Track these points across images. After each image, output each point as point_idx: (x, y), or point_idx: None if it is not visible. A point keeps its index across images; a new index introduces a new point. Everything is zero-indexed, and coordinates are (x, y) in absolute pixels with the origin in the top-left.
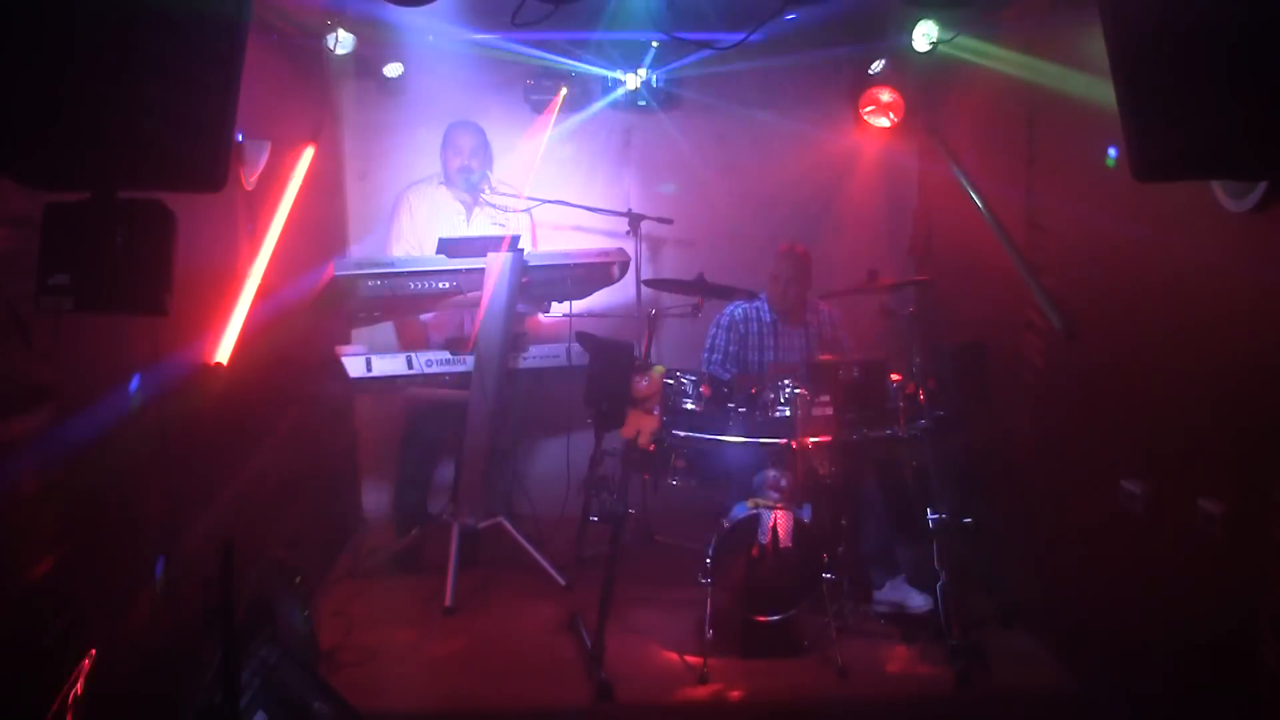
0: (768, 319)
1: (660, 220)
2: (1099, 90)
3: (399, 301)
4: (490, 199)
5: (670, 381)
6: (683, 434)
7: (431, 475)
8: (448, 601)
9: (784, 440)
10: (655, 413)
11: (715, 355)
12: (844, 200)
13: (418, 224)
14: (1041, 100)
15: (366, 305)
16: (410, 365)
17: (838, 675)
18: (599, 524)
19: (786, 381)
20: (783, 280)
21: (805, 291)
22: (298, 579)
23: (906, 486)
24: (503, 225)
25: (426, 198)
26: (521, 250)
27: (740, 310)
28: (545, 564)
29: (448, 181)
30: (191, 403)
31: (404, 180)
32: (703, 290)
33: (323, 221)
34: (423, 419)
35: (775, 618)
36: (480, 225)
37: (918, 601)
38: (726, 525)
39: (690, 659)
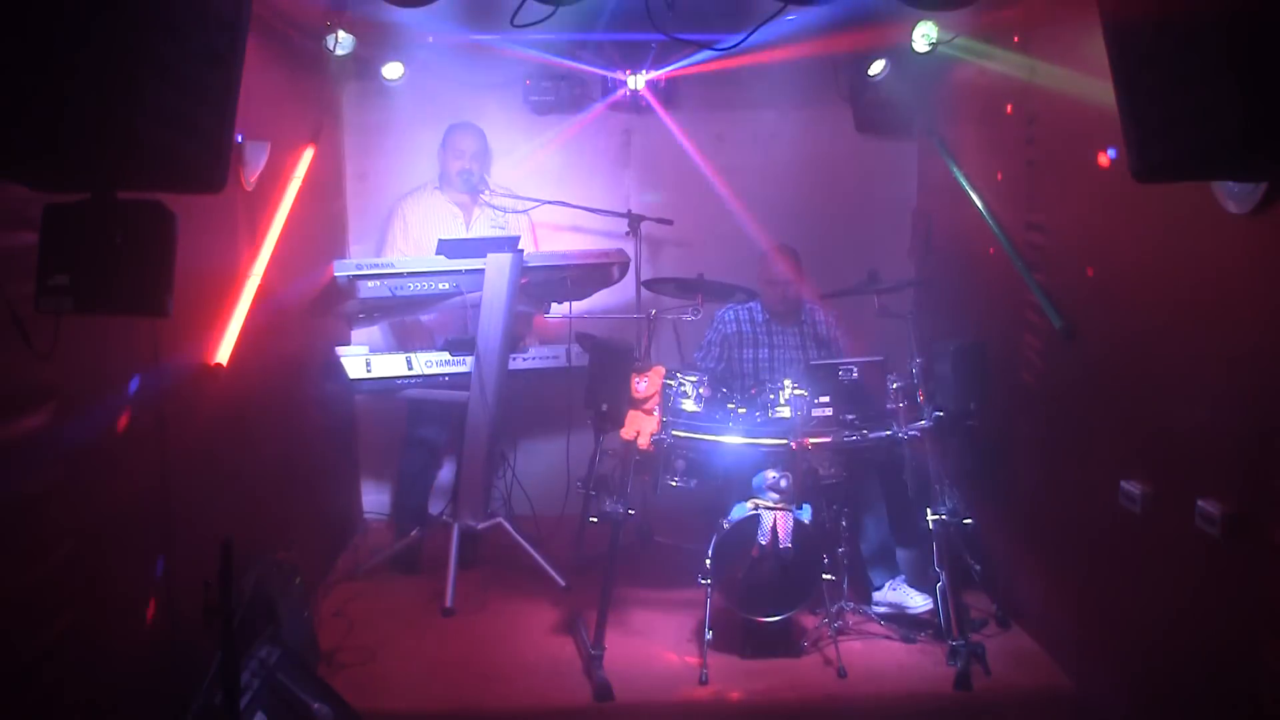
0: (760, 318)
1: (660, 221)
2: (1099, 90)
3: (399, 302)
4: (490, 200)
5: (670, 382)
6: (682, 435)
7: (432, 476)
8: (448, 602)
9: (784, 441)
10: (655, 413)
11: (699, 353)
12: (844, 200)
13: (412, 235)
14: (1041, 100)
15: (366, 306)
16: (410, 366)
17: (837, 676)
18: (598, 525)
19: (787, 382)
20: (782, 281)
21: (801, 289)
22: (298, 579)
23: (906, 487)
24: (503, 227)
25: (420, 207)
26: (521, 251)
27: (731, 312)
28: (545, 565)
29: (446, 184)
30: (191, 403)
31: (404, 181)
32: (703, 289)
33: (323, 222)
34: (423, 420)
35: (775, 618)
36: (480, 227)
37: (918, 602)
38: (726, 526)
39: (690, 659)
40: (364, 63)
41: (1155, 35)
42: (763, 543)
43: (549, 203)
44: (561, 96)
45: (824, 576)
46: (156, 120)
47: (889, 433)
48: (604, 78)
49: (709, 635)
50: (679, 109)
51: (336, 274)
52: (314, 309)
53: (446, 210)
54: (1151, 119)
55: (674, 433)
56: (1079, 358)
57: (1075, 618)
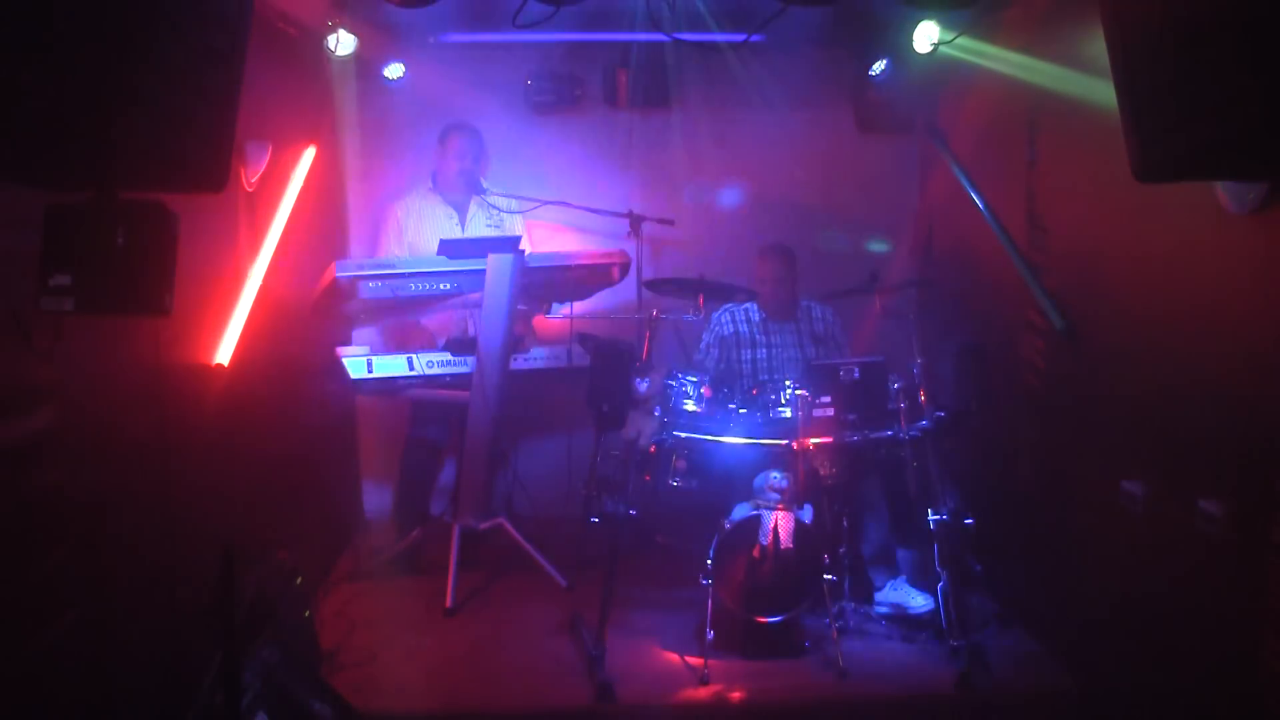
0: (757, 318)
1: (661, 221)
2: (1099, 91)
3: (400, 303)
4: (491, 200)
5: (671, 382)
6: (684, 435)
7: (433, 476)
8: (449, 602)
9: (785, 441)
10: (656, 414)
11: (698, 356)
12: (844, 200)
13: (406, 237)
14: (1042, 101)
15: (367, 306)
16: (411, 366)
17: (838, 676)
18: (600, 525)
19: (788, 382)
20: (772, 281)
21: (795, 287)
22: (298, 579)
23: (907, 488)
24: (498, 226)
25: (415, 209)
26: (523, 251)
27: (727, 313)
28: (546, 565)
29: (443, 185)
30: (191, 403)
31: (405, 181)
32: (703, 289)
33: (323, 222)
34: (425, 420)
35: (776, 618)
36: (476, 228)
37: (918, 602)
38: (727, 526)
39: (691, 660)
40: (365, 63)
41: (1156, 35)
42: (764, 543)
43: (550, 203)
44: (563, 96)
45: (825, 577)
46: (157, 120)
47: (890, 433)
48: (605, 78)
49: (710, 635)
50: (679, 108)
51: (338, 274)
52: (315, 309)
53: (442, 211)
54: (1153, 119)
55: (675, 433)
56: (1080, 358)
57: (1076, 618)
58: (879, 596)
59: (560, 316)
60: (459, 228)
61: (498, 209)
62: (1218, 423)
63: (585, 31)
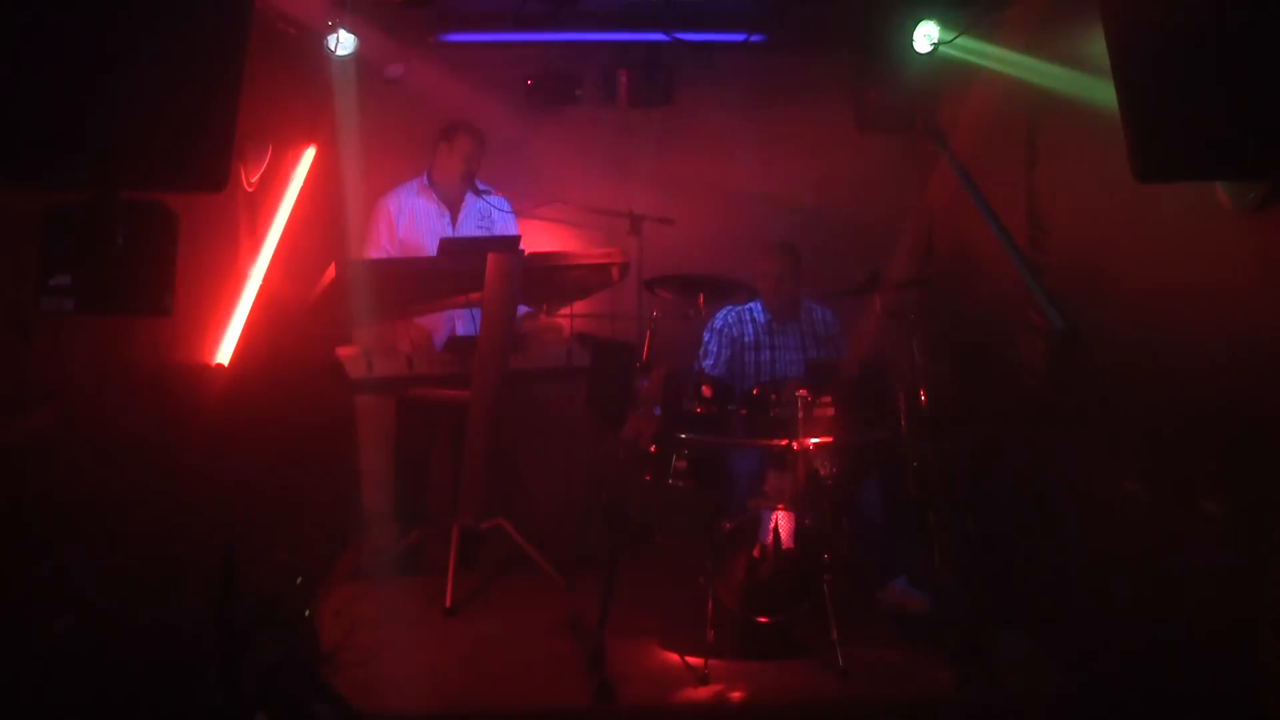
0: (761, 319)
1: (661, 220)
2: (1100, 91)
3: (400, 302)
4: (488, 199)
5: (671, 382)
6: (684, 435)
7: (430, 476)
8: (448, 602)
9: (785, 441)
10: (656, 414)
11: (708, 360)
12: (844, 200)
13: (398, 233)
14: (1042, 101)
15: (367, 306)
16: (411, 366)
17: (838, 676)
18: (600, 525)
19: (788, 382)
20: (774, 276)
21: (798, 287)
22: (298, 579)
23: (907, 488)
24: (488, 229)
25: (406, 206)
26: (522, 251)
27: (733, 314)
28: (546, 565)
29: (441, 183)
30: (191, 403)
31: (404, 180)
32: (703, 289)
33: (323, 222)
34: (424, 420)
35: (776, 619)
36: (468, 227)
37: (918, 603)
38: (727, 526)
39: (691, 660)
40: (365, 63)
41: (1157, 36)
42: (764, 543)
43: (549, 203)
44: (563, 96)
45: (825, 576)
46: (157, 120)
47: (890, 433)
48: (605, 77)
49: (710, 635)
50: (681, 109)
51: (337, 273)
52: (315, 309)
53: (434, 209)
54: (1153, 119)
55: (675, 433)
56: (1080, 358)
57: (1076, 618)
58: (879, 597)
59: (560, 316)
60: (450, 226)
61: (493, 208)
62: (1219, 423)
63: (585, 31)
